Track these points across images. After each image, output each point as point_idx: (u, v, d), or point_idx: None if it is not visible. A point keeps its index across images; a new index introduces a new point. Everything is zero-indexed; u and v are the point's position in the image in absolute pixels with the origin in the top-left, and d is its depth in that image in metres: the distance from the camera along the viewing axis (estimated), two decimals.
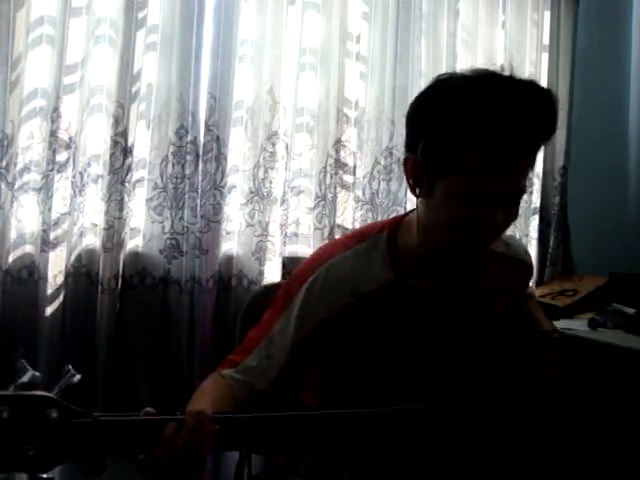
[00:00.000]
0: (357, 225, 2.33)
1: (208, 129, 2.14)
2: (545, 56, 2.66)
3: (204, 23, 2.14)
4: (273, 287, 1.95)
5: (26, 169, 1.98)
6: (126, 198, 2.07)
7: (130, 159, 2.07)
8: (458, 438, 1.13)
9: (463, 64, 2.50)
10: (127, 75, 2.05)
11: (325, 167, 2.30)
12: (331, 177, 2.30)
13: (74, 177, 2.03)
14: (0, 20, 1.92)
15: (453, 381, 1.20)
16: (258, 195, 2.22)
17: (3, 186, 1.95)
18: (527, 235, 2.64)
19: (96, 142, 2.06)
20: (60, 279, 2.02)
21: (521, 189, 1.16)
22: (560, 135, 2.65)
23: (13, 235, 1.98)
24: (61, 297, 2.02)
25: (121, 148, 2.05)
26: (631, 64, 2.81)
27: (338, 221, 2.32)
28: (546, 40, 2.66)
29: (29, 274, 1.99)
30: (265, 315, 1.28)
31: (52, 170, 1.99)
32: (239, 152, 2.21)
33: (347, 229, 2.31)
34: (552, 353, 1.37)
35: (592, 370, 1.82)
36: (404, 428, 1.08)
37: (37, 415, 0.83)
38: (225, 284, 2.19)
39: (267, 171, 2.22)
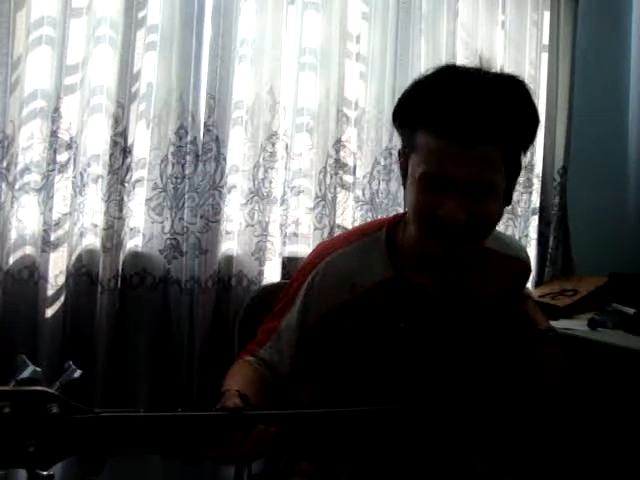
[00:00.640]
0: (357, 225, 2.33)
1: (208, 129, 2.14)
2: (545, 56, 2.65)
3: (204, 23, 2.14)
4: (273, 287, 1.95)
5: (26, 169, 1.98)
6: (126, 198, 2.07)
7: (130, 159, 2.07)
8: (458, 438, 1.13)
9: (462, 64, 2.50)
10: (127, 75, 2.04)
11: (325, 167, 2.30)
12: (331, 177, 2.30)
13: (74, 177, 2.03)
14: (0, 21, 1.92)
15: (450, 380, 1.21)
16: (258, 195, 2.22)
17: (3, 186, 1.95)
18: (527, 235, 2.64)
19: (96, 142, 2.06)
20: (61, 280, 2.01)
21: (485, 181, 1.12)
22: (560, 135, 2.65)
23: (14, 236, 1.98)
24: (62, 298, 2.02)
25: (121, 148, 2.05)
26: (631, 64, 2.82)
27: (338, 221, 2.32)
28: (546, 40, 2.65)
29: (29, 275, 1.99)
30: (275, 307, 1.32)
31: (52, 170, 1.99)
32: (239, 152, 2.21)
33: (347, 229, 2.31)
34: (548, 351, 1.37)
35: (592, 370, 1.82)
36: (403, 427, 1.08)
37: (38, 410, 0.83)
38: (225, 284, 2.19)
39: (267, 171, 2.22)
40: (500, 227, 1.40)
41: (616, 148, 2.82)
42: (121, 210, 2.06)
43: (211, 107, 2.13)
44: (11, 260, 1.98)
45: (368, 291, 1.24)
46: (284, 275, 2.24)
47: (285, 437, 1.00)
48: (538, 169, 2.64)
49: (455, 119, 1.07)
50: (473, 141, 1.08)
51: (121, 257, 2.08)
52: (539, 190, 2.65)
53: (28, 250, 1.99)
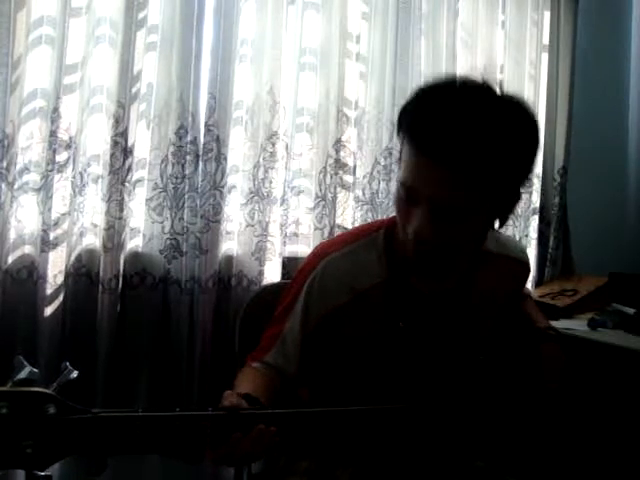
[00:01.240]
0: (357, 225, 2.33)
1: (208, 129, 2.14)
2: (545, 56, 2.65)
3: (204, 23, 2.14)
4: (273, 287, 1.95)
5: (26, 169, 1.98)
6: (126, 198, 2.07)
7: (130, 159, 2.07)
8: (458, 437, 1.13)
9: (463, 64, 2.51)
10: (127, 75, 2.04)
11: (325, 167, 2.30)
12: (331, 177, 2.30)
13: (74, 177, 2.03)
14: (0, 20, 1.92)
15: (450, 379, 1.21)
16: (258, 195, 2.22)
17: (3, 186, 1.95)
18: (527, 235, 2.64)
19: (96, 142, 2.06)
20: (60, 279, 2.02)
21: (457, 204, 1.09)
22: (560, 135, 2.65)
23: (13, 235, 1.98)
24: (61, 297, 2.02)
25: (121, 148, 2.05)
26: (631, 64, 2.82)
27: (338, 221, 2.32)
28: (546, 40, 2.65)
29: (29, 274, 1.99)
30: (276, 311, 1.31)
31: (52, 170, 1.99)
32: (239, 152, 2.21)
33: (347, 229, 2.31)
34: (548, 350, 1.37)
35: (592, 370, 1.82)
36: (403, 427, 1.08)
37: (35, 411, 0.83)
38: (225, 284, 2.19)
39: (267, 171, 2.22)
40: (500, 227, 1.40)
41: (616, 148, 2.82)
42: (121, 210, 2.06)
43: (211, 107, 2.13)
44: (10, 260, 1.98)
45: (367, 292, 1.25)
46: (284, 275, 2.24)
47: (285, 436, 1.00)
48: (538, 169, 2.64)
49: (436, 139, 1.06)
50: (450, 160, 1.06)
51: (121, 257, 2.08)
52: (539, 190, 2.65)
53: (27, 250, 1.99)
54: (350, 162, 2.33)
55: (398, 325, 1.24)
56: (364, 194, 2.38)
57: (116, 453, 0.89)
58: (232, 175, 2.20)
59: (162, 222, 2.13)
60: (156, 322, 2.12)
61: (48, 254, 1.99)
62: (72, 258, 2.04)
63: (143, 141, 2.11)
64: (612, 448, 1.78)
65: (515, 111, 1.13)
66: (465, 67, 2.50)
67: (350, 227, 2.32)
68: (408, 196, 1.13)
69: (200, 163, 2.13)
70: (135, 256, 2.12)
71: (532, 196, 2.63)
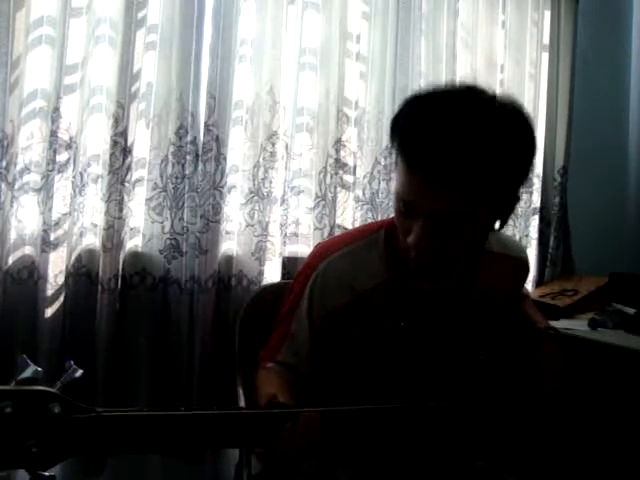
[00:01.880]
0: (357, 225, 2.33)
1: (208, 129, 2.14)
2: (545, 56, 2.65)
3: (204, 23, 2.13)
4: (273, 287, 1.96)
5: (26, 169, 1.98)
6: (126, 198, 2.07)
7: (130, 159, 2.07)
8: (458, 437, 1.13)
9: (463, 64, 2.51)
10: (127, 75, 2.04)
11: (325, 167, 2.30)
12: (331, 177, 2.30)
13: (74, 177, 2.02)
14: (0, 20, 1.92)
15: (450, 379, 1.21)
16: (258, 195, 2.22)
17: (3, 186, 1.95)
18: (527, 235, 2.64)
19: (96, 142, 2.05)
20: (60, 279, 2.01)
21: (455, 216, 1.09)
22: (560, 135, 2.65)
23: (13, 235, 1.98)
24: (61, 298, 2.01)
25: (121, 148, 2.04)
26: (631, 64, 2.82)
27: (338, 221, 2.32)
28: (546, 40, 2.65)
29: (29, 275, 1.99)
30: (280, 313, 1.33)
31: (52, 170, 1.99)
32: (239, 152, 2.21)
33: (347, 229, 2.31)
34: (548, 350, 1.38)
35: (592, 370, 1.82)
36: (403, 427, 1.08)
37: (39, 410, 0.82)
38: (225, 284, 2.19)
39: (267, 171, 2.22)
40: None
41: (616, 148, 2.82)
42: (121, 210, 2.06)
43: (211, 107, 2.13)
44: (10, 260, 1.97)
45: (367, 292, 1.25)
46: (284, 275, 2.24)
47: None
48: (538, 169, 2.64)
49: (429, 158, 1.05)
50: (446, 180, 1.05)
51: (121, 257, 2.08)
52: (539, 190, 2.65)
53: (27, 250, 1.99)
54: (350, 162, 2.33)
55: (400, 325, 1.24)
56: (364, 194, 2.38)
57: (121, 453, 0.88)
58: (232, 175, 2.20)
59: (162, 222, 2.12)
60: (156, 322, 2.12)
61: (49, 254, 1.99)
62: (72, 258, 2.04)
63: (143, 141, 2.11)
64: (612, 448, 1.78)
65: (508, 116, 1.11)
66: (465, 67, 2.51)
67: (350, 227, 2.32)
68: (406, 208, 1.13)
69: (200, 163, 2.13)
70: (135, 256, 2.12)
71: (532, 196, 2.63)
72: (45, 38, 1.98)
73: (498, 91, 1.15)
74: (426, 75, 2.41)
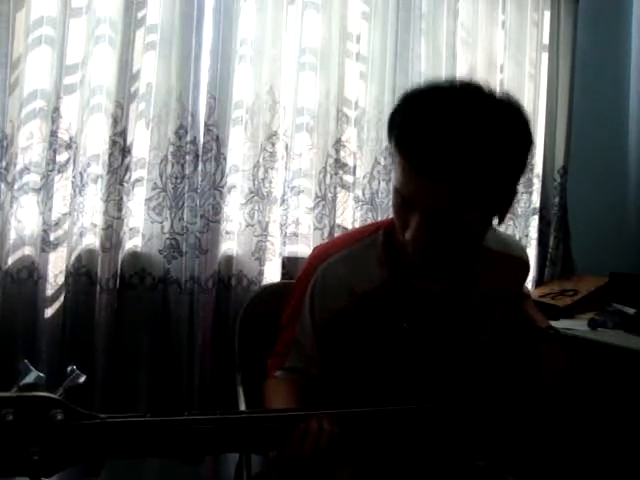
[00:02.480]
0: (357, 225, 2.33)
1: (208, 129, 2.13)
2: (545, 56, 2.65)
3: (204, 23, 2.13)
4: (273, 287, 1.96)
5: (26, 169, 1.98)
6: (125, 198, 2.06)
7: (129, 159, 2.06)
8: (459, 437, 1.13)
9: (463, 64, 2.50)
10: (126, 75, 2.04)
11: (325, 167, 2.30)
12: (331, 177, 2.30)
13: (74, 177, 2.02)
14: (0, 20, 1.91)
15: (452, 379, 1.21)
16: (258, 195, 2.22)
17: (3, 187, 1.95)
18: (527, 235, 2.64)
19: (96, 142, 2.05)
20: (60, 279, 2.01)
21: (452, 213, 1.09)
22: (560, 135, 2.65)
23: (13, 236, 1.97)
24: (61, 298, 2.01)
25: (120, 148, 2.04)
26: (631, 64, 2.82)
27: (338, 221, 2.32)
28: (546, 40, 2.65)
29: (29, 275, 1.99)
30: (283, 318, 1.33)
31: (52, 170, 1.98)
32: (239, 152, 2.21)
33: (347, 229, 2.31)
34: (548, 350, 1.38)
35: (592, 370, 1.82)
36: (404, 427, 1.08)
37: (42, 417, 0.81)
38: (225, 284, 2.19)
39: (267, 171, 2.22)
40: (500, 227, 1.40)
41: (616, 148, 2.82)
42: (120, 210, 2.06)
43: (211, 107, 2.13)
44: (10, 260, 1.97)
45: (368, 294, 1.25)
46: (284, 275, 2.24)
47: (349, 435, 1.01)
48: (538, 169, 2.64)
49: (426, 156, 1.05)
50: (443, 177, 1.05)
51: (120, 257, 2.08)
52: (539, 190, 2.65)
53: (27, 250, 1.99)
54: (350, 162, 2.32)
55: (401, 325, 1.24)
56: (364, 194, 2.38)
57: (123, 457, 0.88)
58: (232, 175, 2.20)
59: (162, 222, 2.12)
60: (156, 322, 2.11)
61: (48, 254, 1.99)
62: (72, 258, 2.03)
63: (142, 141, 2.11)
64: (612, 448, 1.78)
65: (505, 111, 1.11)
66: (465, 67, 2.50)
67: (350, 227, 2.32)
68: (403, 202, 1.13)
69: (200, 163, 2.13)
70: (134, 256, 2.12)
71: (532, 196, 2.63)
72: (45, 38, 1.98)
73: (485, 90, 1.14)
74: (426, 75, 2.40)
